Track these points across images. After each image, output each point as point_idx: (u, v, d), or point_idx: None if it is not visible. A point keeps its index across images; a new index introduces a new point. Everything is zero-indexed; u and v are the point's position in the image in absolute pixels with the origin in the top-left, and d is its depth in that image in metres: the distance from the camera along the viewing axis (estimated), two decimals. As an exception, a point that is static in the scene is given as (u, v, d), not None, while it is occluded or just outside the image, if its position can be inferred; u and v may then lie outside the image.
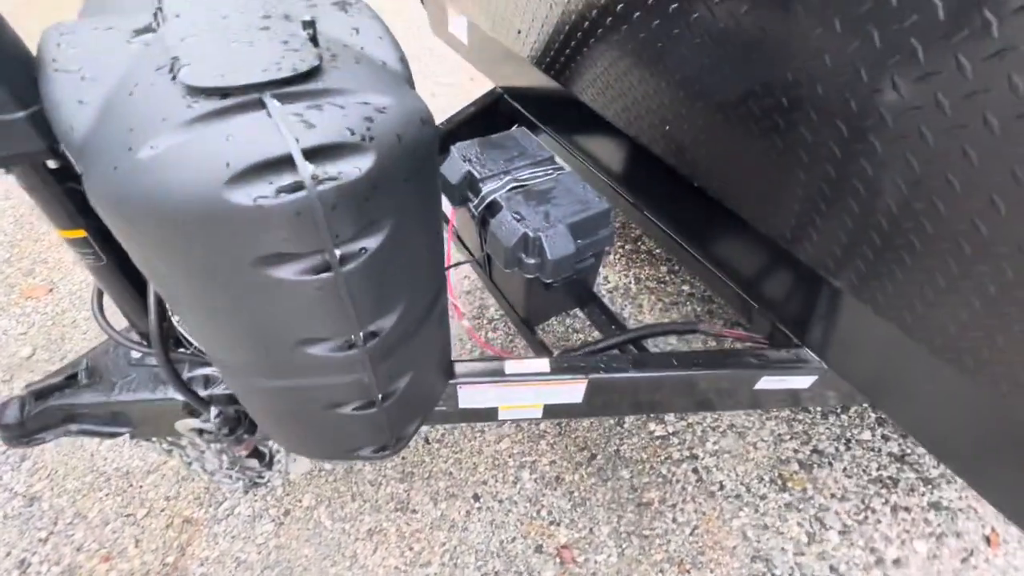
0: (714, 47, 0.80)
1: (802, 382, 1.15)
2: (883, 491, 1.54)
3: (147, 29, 0.63)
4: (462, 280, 2.14)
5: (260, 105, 0.51)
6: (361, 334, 0.65)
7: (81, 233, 0.78)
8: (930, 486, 1.55)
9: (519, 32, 1.42)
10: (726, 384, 1.15)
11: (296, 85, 0.53)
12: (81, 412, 1.01)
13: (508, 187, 1.24)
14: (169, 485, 1.51)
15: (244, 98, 0.51)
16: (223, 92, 0.51)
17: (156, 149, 0.49)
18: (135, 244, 0.56)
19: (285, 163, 0.48)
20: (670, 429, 1.68)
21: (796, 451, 1.63)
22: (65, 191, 0.72)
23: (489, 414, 1.16)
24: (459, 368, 1.06)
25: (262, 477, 1.33)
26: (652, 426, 1.69)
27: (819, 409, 1.74)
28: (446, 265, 1.37)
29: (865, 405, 1.75)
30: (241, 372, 0.72)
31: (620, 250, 2.31)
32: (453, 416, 1.13)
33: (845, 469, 1.59)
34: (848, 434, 1.68)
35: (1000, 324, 0.66)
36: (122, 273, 0.85)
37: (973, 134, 0.54)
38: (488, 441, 1.64)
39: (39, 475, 1.52)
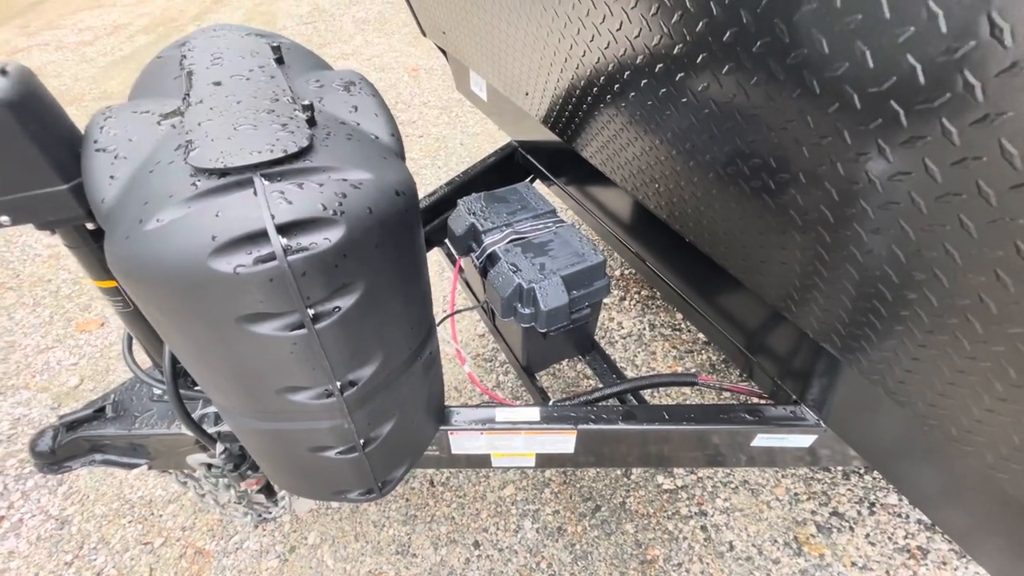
0: (696, 119, 0.84)
1: (801, 440, 1.11)
2: (910, 562, 1.43)
3: (175, 113, 0.73)
4: (477, 323, 2.20)
5: (250, 184, 0.59)
6: (338, 384, 0.71)
7: (112, 284, 0.88)
8: (964, 559, 1.43)
9: (527, 93, 1.52)
10: (720, 440, 1.13)
11: (285, 165, 0.61)
12: (105, 443, 1.10)
13: (508, 239, 1.30)
14: (186, 515, 1.58)
15: (239, 177, 0.59)
16: (221, 172, 0.59)
17: (160, 223, 0.58)
18: (141, 302, 0.64)
19: (262, 236, 0.55)
20: (679, 483, 1.63)
21: (814, 512, 1.55)
22: (100, 248, 0.83)
23: (482, 460, 1.18)
24: (450, 414, 1.10)
25: (269, 512, 1.38)
26: (660, 479, 1.65)
27: (840, 469, 1.65)
28: (450, 311, 1.43)
29: (892, 466, 1.65)
30: (235, 414, 0.78)
31: (636, 296, 2.31)
32: (446, 461, 1.16)
33: (868, 535, 1.49)
34: (872, 497, 1.58)
35: (971, 394, 0.64)
36: (145, 319, 0.95)
37: (906, 212, 0.56)
38: (492, 487, 1.64)
39: (72, 499, 1.62)
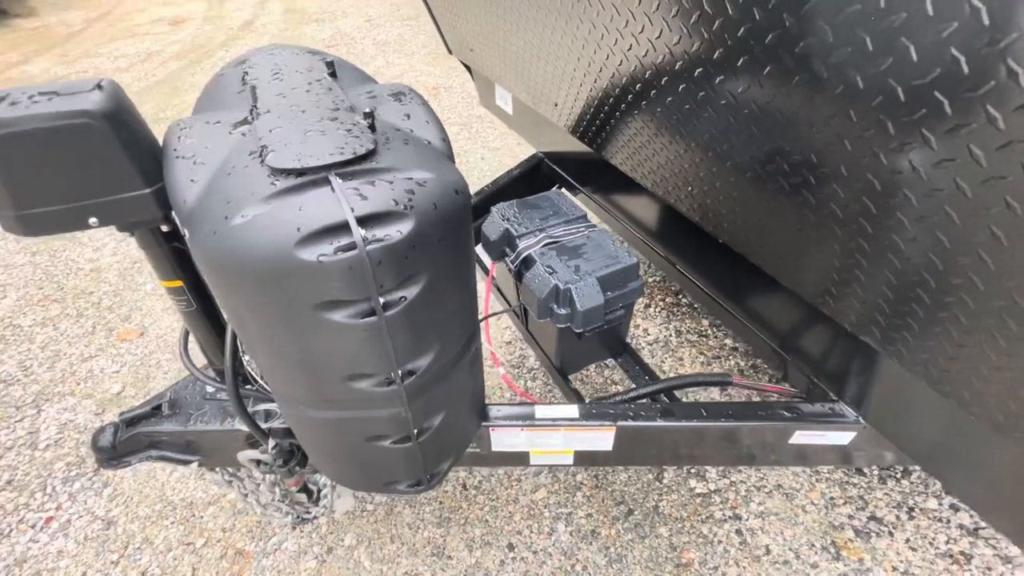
0: (735, 120, 0.87)
1: (840, 437, 1.12)
2: (954, 567, 1.41)
3: (244, 122, 0.79)
4: (503, 331, 2.23)
5: (326, 182, 0.64)
6: (400, 372, 0.74)
7: (179, 283, 0.94)
8: (1010, 565, 1.40)
9: (556, 104, 1.57)
10: (758, 437, 1.14)
11: (355, 165, 0.66)
12: (162, 440, 1.15)
13: (542, 243, 1.34)
14: (226, 517, 1.62)
15: (314, 176, 0.64)
16: (299, 172, 0.65)
17: (245, 218, 0.63)
18: (223, 292, 0.69)
19: (343, 228, 0.60)
20: (712, 487, 1.63)
21: (851, 517, 1.53)
22: (171, 249, 0.89)
23: (521, 458, 1.20)
24: (492, 411, 1.13)
25: (309, 512, 1.42)
26: (693, 483, 1.65)
27: (876, 472, 1.64)
28: (484, 315, 1.47)
29: (929, 471, 1.63)
30: (297, 403, 0.82)
31: (660, 303, 2.33)
32: (486, 458, 1.18)
33: (908, 540, 1.47)
34: (910, 502, 1.56)
35: (1019, 377, 0.66)
36: (207, 318, 1.00)
37: (951, 198, 0.58)
38: (524, 490, 1.66)
39: (117, 501, 1.67)
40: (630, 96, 1.14)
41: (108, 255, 2.81)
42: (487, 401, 1.15)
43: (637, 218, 1.66)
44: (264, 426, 1.07)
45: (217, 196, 0.69)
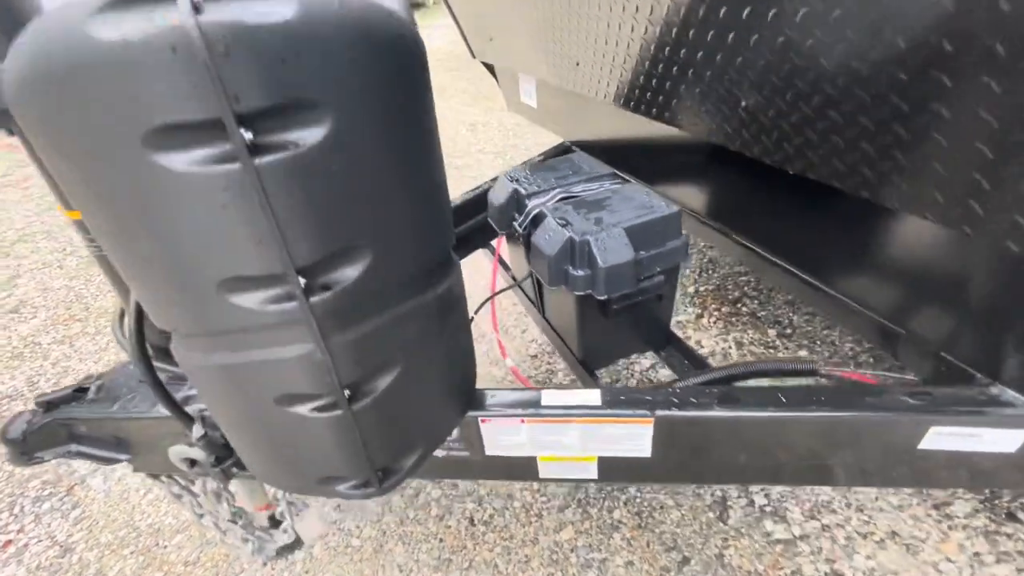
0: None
1: (1006, 439, 0.74)
2: None
3: None
4: (529, 344, 1.94)
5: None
6: (301, 280, 0.49)
7: (79, 215, 0.75)
8: None
9: (577, 64, 1.37)
10: (870, 438, 0.78)
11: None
12: (82, 430, 0.94)
13: (556, 199, 1.09)
14: (192, 548, 1.37)
15: None
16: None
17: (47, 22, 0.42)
18: (40, 147, 0.48)
19: (166, -8, 0.38)
20: (796, 531, 1.22)
21: (1012, 582, 1.07)
22: (68, 163, 0.70)
23: (526, 467, 0.89)
24: (485, 397, 0.84)
25: (271, 538, 1.14)
26: (769, 525, 1.24)
27: (1039, 519, 1.17)
28: (491, 292, 1.20)
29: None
30: (181, 338, 0.58)
31: (715, 313, 1.98)
32: (477, 466, 0.88)
33: (1111, 621, 1.00)
34: (1102, 563, 1.08)
35: None
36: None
37: None
38: (546, 528, 1.31)
39: (81, 525, 1.47)
40: (666, 36, 0.91)
41: (137, 277, 2.81)
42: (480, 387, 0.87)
43: (686, 199, 1.38)
44: (192, 410, 0.84)
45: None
